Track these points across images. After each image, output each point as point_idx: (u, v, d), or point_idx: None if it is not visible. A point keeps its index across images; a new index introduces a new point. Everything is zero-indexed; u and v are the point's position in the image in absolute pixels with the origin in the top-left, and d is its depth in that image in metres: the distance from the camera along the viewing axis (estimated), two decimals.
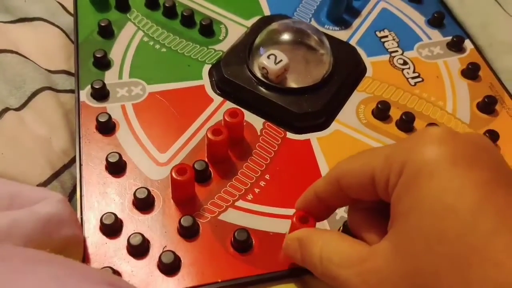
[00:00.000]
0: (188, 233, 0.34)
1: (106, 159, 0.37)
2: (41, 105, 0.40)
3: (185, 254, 0.33)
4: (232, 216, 0.35)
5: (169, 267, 0.32)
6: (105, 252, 0.33)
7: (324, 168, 0.38)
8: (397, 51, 0.47)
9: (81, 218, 0.35)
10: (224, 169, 0.38)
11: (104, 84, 0.41)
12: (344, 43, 0.46)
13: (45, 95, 0.41)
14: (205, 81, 0.43)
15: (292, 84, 0.42)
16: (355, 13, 0.50)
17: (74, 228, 0.32)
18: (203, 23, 0.47)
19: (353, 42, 0.48)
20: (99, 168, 0.37)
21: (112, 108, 0.41)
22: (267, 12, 0.50)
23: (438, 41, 0.48)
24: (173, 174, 0.34)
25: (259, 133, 0.40)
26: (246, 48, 0.44)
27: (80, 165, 0.37)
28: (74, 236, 0.32)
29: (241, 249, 0.33)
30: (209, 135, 0.37)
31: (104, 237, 0.34)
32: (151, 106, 0.41)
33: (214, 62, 0.45)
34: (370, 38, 0.48)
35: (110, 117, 0.39)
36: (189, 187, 0.35)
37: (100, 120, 0.39)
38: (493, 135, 0.40)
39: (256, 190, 0.37)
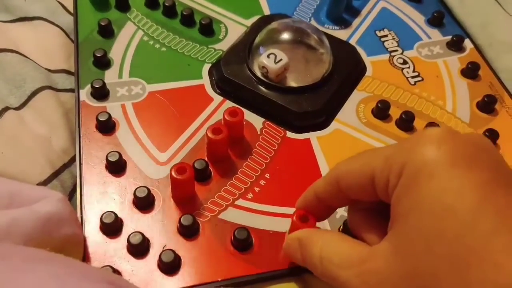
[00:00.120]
0: (188, 232, 0.34)
1: (106, 158, 0.37)
2: (41, 104, 0.40)
3: (185, 253, 0.33)
4: (232, 215, 0.35)
5: (169, 266, 0.32)
6: (105, 251, 0.33)
7: (324, 167, 0.38)
8: (397, 50, 0.47)
9: (81, 217, 0.35)
10: (224, 168, 0.38)
11: (104, 83, 0.41)
12: (344, 42, 0.47)
13: (45, 94, 0.41)
14: (205, 80, 0.43)
15: (292, 83, 0.42)
16: (355, 12, 0.50)
17: (74, 227, 0.32)
18: (203, 22, 0.47)
19: (353, 41, 0.48)
20: (99, 167, 0.37)
21: (112, 107, 0.41)
22: (267, 11, 0.50)
23: (438, 41, 0.48)
24: (173, 173, 0.34)
25: (259, 132, 0.40)
26: (246, 48, 0.44)
27: (80, 164, 0.37)
28: (74, 235, 0.32)
29: (241, 248, 0.33)
30: (209, 134, 0.37)
31: (104, 236, 0.34)
32: (151, 106, 0.41)
33: (214, 62, 0.45)
34: (370, 37, 0.48)
35: (110, 116, 0.39)
36: (189, 186, 0.35)
37: (100, 119, 0.39)
38: (493, 134, 0.40)
39: (256, 189, 0.37)
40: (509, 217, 0.22)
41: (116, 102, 0.41)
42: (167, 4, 0.48)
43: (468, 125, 0.42)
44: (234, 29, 0.47)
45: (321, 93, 0.41)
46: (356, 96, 0.43)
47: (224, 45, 0.46)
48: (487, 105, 0.43)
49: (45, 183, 0.36)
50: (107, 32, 0.46)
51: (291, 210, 0.32)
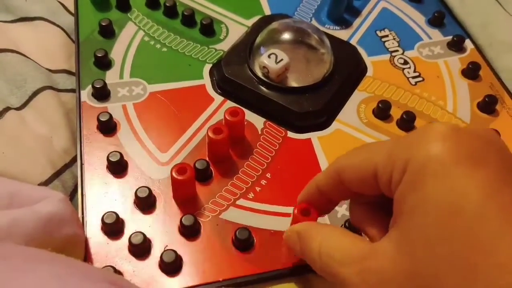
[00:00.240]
0: (189, 232, 0.34)
1: (107, 159, 0.37)
2: (42, 104, 0.40)
3: (186, 253, 0.33)
4: (233, 215, 0.35)
5: (171, 266, 0.32)
6: (107, 251, 0.33)
7: (325, 167, 0.38)
8: (397, 50, 0.47)
9: (83, 218, 0.35)
10: (225, 168, 0.38)
11: (105, 84, 0.41)
12: (344, 42, 0.47)
13: (46, 94, 0.41)
14: (206, 80, 0.44)
15: (293, 83, 0.42)
16: (356, 12, 0.50)
17: (75, 227, 0.32)
18: (204, 22, 0.47)
19: (353, 41, 0.48)
20: (100, 167, 0.37)
21: (113, 107, 0.41)
22: (267, 11, 0.50)
23: (439, 41, 0.48)
24: (174, 174, 0.34)
25: (260, 132, 0.40)
26: (246, 48, 0.44)
27: (82, 164, 0.37)
28: (75, 235, 0.32)
29: (243, 247, 0.33)
30: (210, 134, 0.37)
31: (105, 237, 0.34)
32: (152, 106, 0.41)
33: (214, 62, 0.45)
34: (371, 37, 0.48)
35: (111, 116, 0.39)
36: (190, 186, 0.35)
37: (101, 119, 0.39)
38: None
39: (257, 189, 0.37)
40: None
41: (117, 103, 0.41)
42: (168, 4, 0.48)
43: (469, 126, 0.42)
44: (235, 29, 0.47)
45: (322, 93, 0.41)
46: (357, 96, 0.43)
47: (225, 45, 0.46)
48: (488, 105, 0.43)
49: (46, 183, 0.36)
50: (108, 32, 0.46)
51: (292, 210, 0.32)
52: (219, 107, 0.42)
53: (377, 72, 0.45)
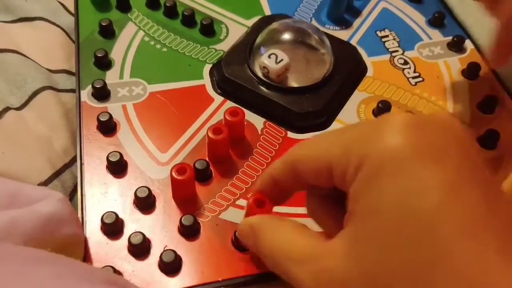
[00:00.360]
0: (189, 232, 0.34)
1: (107, 159, 0.37)
2: (42, 104, 0.40)
3: (186, 253, 0.33)
4: (233, 215, 0.35)
5: (170, 266, 0.32)
6: (106, 252, 0.33)
7: None
8: (397, 51, 0.47)
9: (82, 218, 0.35)
10: (225, 168, 0.38)
11: (105, 84, 0.41)
12: (344, 42, 0.47)
13: (46, 94, 0.41)
14: (206, 80, 0.43)
15: (293, 83, 0.42)
16: (356, 12, 0.50)
17: (74, 227, 0.32)
18: (204, 22, 0.47)
19: (353, 41, 0.48)
20: (100, 167, 0.37)
21: (113, 108, 0.41)
22: (267, 11, 0.50)
23: (439, 41, 0.48)
24: (173, 174, 0.34)
25: (259, 133, 0.40)
26: (247, 48, 0.44)
27: (81, 164, 0.37)
28: (75, 235, 0.32)
29: (242, 248, 0.33)
30: (210, 134, 0.37)
31: (105, 237, 0.34)
32: (152, 106, 0.41)
33: (215, 62, 0.45)
34: (371, 37, 0.48)
35: (111, 116, 0.39)
36: (189, 187, 0.35)
37: (101, 119, 0.39)
38: (494, 135, 0.40)
39: None
40: (474, 222, 0.20)
41: (117, 103, 0.41)
42: (168, 5, 0.48)
43: (469, 126, 0.42)
44: (235, 29, 0.47)
45: (322, 93, 0.41)
46: (357, 96, 0.43)
47: (225, 46, 0.46)
48: (488, 105, 0.43)
49: (45, 183, 0.36)
50: (108, 32, 0.46)
51: (292, 210, 0.32)
52: (219, 107, 0.42)
53: (377, 72, 0.45)
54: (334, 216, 0.26)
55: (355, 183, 0.23)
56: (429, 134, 0.22)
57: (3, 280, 0.23)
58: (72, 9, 0.49)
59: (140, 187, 0.35)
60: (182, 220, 0.34)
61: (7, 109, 0.39)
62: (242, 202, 0.36)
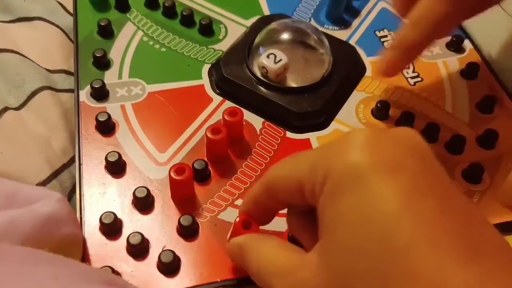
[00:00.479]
0: (188, 232, 0.34)
1: (106, 159, 0.37)
2: (40, 104, 0.40)
3: (185, 253, 0.33)
4: (231, 215, 0.35)
5: (169, 267, 0.32)
6: (105, 252, 0.33)
7: None
8: None
9: (81, 218, 0.35)
10: (224, 168, 0.38)
11: (103, 84, 0.41)
12: (343, 42, 0.46)
13: (44, 94, 0.41)
14: (205, 80, 0.43)
15: (292, 83, 0.42)
16: (355, 12, 0.50)
17: (73, 227, 0.32)
18: (203, 22, 0.47)
19: (352, 41, 0.48)
20: (99, 167, 0.37)
21: (112, 108, 0.41)
22: (266, 11, 0.50)
23: (438, 41, 0.48)
24: (172, 174, 0.34)
25: (258, 133, 0.40)
26: (245, 48, 0.44)
27: (80, 164, 0.37)
28: (73, 235, 0.32)
29: None
30: (209, 134, 0.37)
31: (103, 237, 0.34)
32: (151, 106, 0.41)
33: (213, 62, 0.45)
34: (370, 37, 0.48)
35: (109, 116, 0.39)
36: (188, 187, 0.35)
37: (100, 119, 0.39)
38: (493, 135, 0.40)
39: None
40: (427, 226, 0.21)
41: (115, 103, 0.41)
42: (167, 5, 0.48)
43: (468, 126, 0.42)
44: (233, 29, 0.47)
45: (320, 93, 0.41)
46: (356, 96, 0.43)
47: (223, 46, 0.46)
48: (487, 105, 0.43)
49: (44, 183, 0.36)
50: (107, 32, 0.46)
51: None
52: (217, 107, 0.42)
53: (376, 72, 0.45)
54: (312, 232, 0.27)
55: (321, 198, 0.24)
56: (386, 148, 0.23)
57: (1, 280, 0.23)
58: (71, 9, 0.49)
59: (139, 187, 0.35)
60: (180, 220, 0.34)
61: (5, 109, 0.39)
62: (241, 202, 0.36)
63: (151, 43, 0.46)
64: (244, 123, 0.39)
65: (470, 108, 0.43)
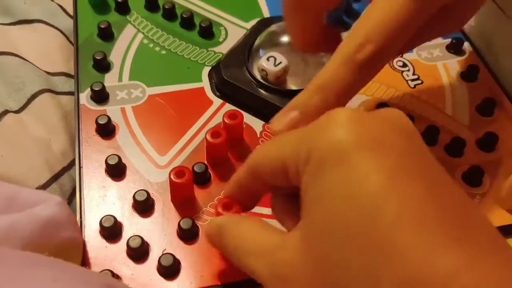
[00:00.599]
0: (188, 235, 0.34)
1: (106, 162, 0.37)
2: (40, 107, 0.40)
3: (185, 257, 0.33)
4: None
5: (169, 270, 0.32)
6: (105, 255, 0.33)
7: None
8: None
9: (81, 221, 0.35)
10: (224, 171, 0.38)
11: (103, 87, 0.41)
12: None
13: (44, 97, 0.41)
14: (205, 83, 0.43)
15: (292, 86, 0.42)
16: (355, 15, 0.50)
17: (72, 231, 0.32)
18: (203, 25, 0.47)
19: None
20: (99, 171, 0.37)
21: (112, 110, 0.41)
22: (266, 14, 0.50)
23: (438, 43, 0.48)
24: (172, 177, 0.34)
25: (258, 135, 0.40)
26: (245, 50, 0.44)
27: (80, 167, 0.37)
28: (73, 239, 0.32)
29: None
30: (208, 138, 0.37)
31: (103, 240, 0.34)
32: (151, 109, 0.41)
33: (213, 64, 0.45)
34: None
35: (109, 119, 0.39)
36: (188, 190, 0.35)
37: (100, 122, 0.39)
38: (493, 138, 0.40)
39: None
40: (413, 206, 0.20)
41: (116, 106, 0.41)
42: (167, 7, 0.48)
43: (468, 128, 0.42)
44: (233, 31, 0.47)
45: None
46: (356, 99, 0.43)
47: (223, 48, 0.46)
48: (487, 108, 0.43)
49: (44, 187, 0.36)
50: (107, 35, 0.46)
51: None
52: (218, 110, 0.42)
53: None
54: (297, 215, 0.26)
55: (304, 177, 0.24)
56: (371, 126, 0.23)
57: (1, 284, 0.23)
58: (71, 11, 0.49)
59: (139, 190, 0.35)
60: (180, 223, 0.34)
61: (5, 112, 0.39)
62: None
63: (151, 45, 0.46)
64: (244, 125, 0.39)
65: (470, 111, 0.43)
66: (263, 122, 0.41)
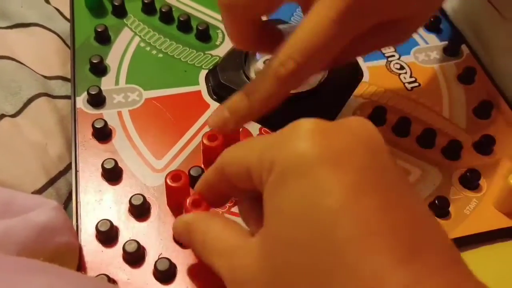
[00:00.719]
0: None
1: (102, 166, 0.37)
2: (36, 111, 0.40)
3: (181, 261, 0.33)
4: None
5: (165, 275, 0.32)
6: (101, 259, 0.33)
7: None
8: (394, 55, 0.47)
9: (77, 226, 0.35)
10: None
11: (100, 90, 0.41)
12: None
13: (41, 101, 0.41)
14: (202, 86, 0.43)
15: None
16: None
17: (68, 235, 0.32)
18: (200, 28, 0.47)
19: None
20: (95, 175, 0.37)
21: (109, 114, 0.41)
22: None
23: (435, 46, 0.48)
24: (168, 181, 0.34)
25: None
26: (242, 53, 0.44)
27: (76, 171, 0.37)
28: (69, 244, 0.32)
29: None
30: (205, 141, 0.36)
31: (100, 245, 0.34)
32: (148, 112, 0.41)
33: (210, 68, 0.45)
34: None
35: (106, 123, 0.39)
36: (184, 194, 0.35)
37: (96, 126, 0.39)
38: (489, 140, 0.40)
39: None
40: (366, 224, 0.20)
41: (112, 109, 0.41)
42: (163, 10, 0.48)
43: (465, 131, 0.42)
44: None
45: (317, 99, 0.41)
46: (353, 102, 0.43)
47: (221, 51, 0.46)
48: (484, 110, 0.43)
49: (40, 191, 0.36)
50: (104, 38, 0.46)
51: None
52: None
53: (373, 78, 0.45)
54: (261, 219, 0.26)
55: (266, 186, 0.24)
56: (334, 139, 0.23)
57: None
58: (67, 14, 0.49)
59: (135, 194, 0.35)
60: None
61: (2, 116, 0.39)
62: (237, 209, 0.36)
63: (148, 49, 0.46)
64: (240, 129, 0.39)
65: (467, 113, 0.43)
66: (260, 125, 0.41)
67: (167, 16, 0.48)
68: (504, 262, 0.35)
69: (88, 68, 0.44)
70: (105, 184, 0.37)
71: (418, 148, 0.40)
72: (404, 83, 0.45)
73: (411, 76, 0.45)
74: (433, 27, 0.49)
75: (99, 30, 0.45)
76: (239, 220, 0.30)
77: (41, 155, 0.38)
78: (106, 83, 0.43)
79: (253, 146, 0.26)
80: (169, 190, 0.35)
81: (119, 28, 0.47)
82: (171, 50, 0.46)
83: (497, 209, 0.37)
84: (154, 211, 0.36)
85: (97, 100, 0.41)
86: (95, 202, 0.36)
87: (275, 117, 0.40)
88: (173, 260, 0.33)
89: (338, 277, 0.20)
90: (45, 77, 0.43)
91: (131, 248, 0.32)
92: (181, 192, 0.35)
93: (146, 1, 0.48)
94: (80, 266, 0.33)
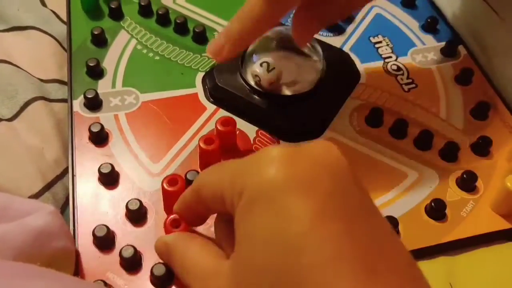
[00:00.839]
0: None
1: (99, 170, 0.37)
2: (33, 115, 0.40)
3: None
4: None
5: (161, 280, 0.32)
6: (98, 265, 0.33)
7: None
8: (391, 57, 0.47)
9: (74, 231, 0.35)
10: None
11: (97, 94, 0.41)
12: (337, 49, 0.46)
13: (37, 105, 0.41)
14: (198, 89, 0.43)
15: (285, 91, 0.42)
16: (349, 19, 0.50)
17: (65, 240, 0.32)
18: (196, 30, 0.47)
19: (346, 48, 0.48)
20: (92, 179, 0.37)
21: (105, 117, 0.41)
22: None
23: (432, 47, 0.48)
24: (164, 185, 0.34)
25: (252, 141, 0.40)
26: (239, 56, 0.43)
27: (73, 176, 0.37)
28: (65, 249, 0.32)
29: None
30: (201, 144, 0.36)
31: (96, 250, 0.34)
32: (144, 115, 0.41)
33: (207, 70, 0.45)
34: (364, 44, 0.48)
35: (102, 127, 0.39)
36: None
37: (93, 130, 0.39)
38: (487, 141, 0.40)
39: None
40: (330, 249, 0.21)
41: (109, 113, 0.41)
42: (160, 13, 0.48)
43: (462, 132, 0.42)
44: None
45: (314, 101, 0.41)
46: (350, 103, 0.43)
47: None
48: (481, 112, 0.43)
49: (37, 196, 0.36)
50: (100, 41, 0.46)
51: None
52: (211, 116, 0.42)
53: (370, 79, 0.45)
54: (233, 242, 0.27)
55: (237, 210, 0.24)
56: (300, 165, 0.23)
57: None
58: (64, 17, 0.49)
59: (131, 199, 0.35)
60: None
61: None
62: None
63: (144, 51, 0.46)
64: (237, 131, 0.39)
65: (465, 115, 0.43)
66: (257, 128, 0.41)
67: (163, 19, 0.48)
68: (501, 264, 0.35)
69: (85, 71, 0.44)
70: (102, 188, 0.37)
71: (415, 150, 0.40)
72: (401, 84, 0.45)
73: (408, 77, 0.45)
74: (430, 28, 0.49)
75: (96, 33, 0.45)
76: None
77: (38, 159, 0.38)
78: (103, 86, 0.43)
79: (225, 169, 0.26)
80: (165, 194, 0.35)
81: (116, 30, 0.47)
82: (168, 53, 0.46)
83: (494, 211, 0.37)
84: (151, 216, 0.36)
85: (93, 104, 0.41)
86: (92, 207, 0.36)
87: (272, 119, 0.41)
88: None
89: None
90: (41, 80, 0.43)
91: (128, 253, 0.32)
92: (178, 197, 0.35)
93: (142, 4, 0.48)
94: (77, 271, 0.33)
